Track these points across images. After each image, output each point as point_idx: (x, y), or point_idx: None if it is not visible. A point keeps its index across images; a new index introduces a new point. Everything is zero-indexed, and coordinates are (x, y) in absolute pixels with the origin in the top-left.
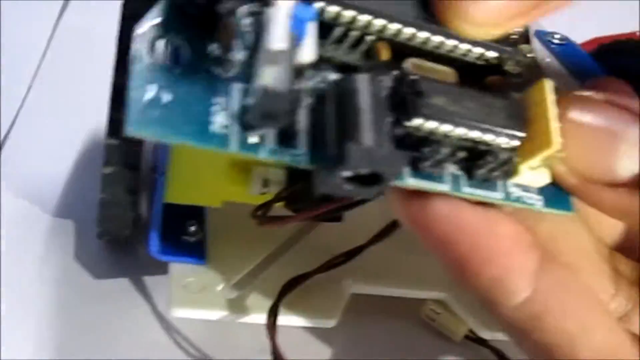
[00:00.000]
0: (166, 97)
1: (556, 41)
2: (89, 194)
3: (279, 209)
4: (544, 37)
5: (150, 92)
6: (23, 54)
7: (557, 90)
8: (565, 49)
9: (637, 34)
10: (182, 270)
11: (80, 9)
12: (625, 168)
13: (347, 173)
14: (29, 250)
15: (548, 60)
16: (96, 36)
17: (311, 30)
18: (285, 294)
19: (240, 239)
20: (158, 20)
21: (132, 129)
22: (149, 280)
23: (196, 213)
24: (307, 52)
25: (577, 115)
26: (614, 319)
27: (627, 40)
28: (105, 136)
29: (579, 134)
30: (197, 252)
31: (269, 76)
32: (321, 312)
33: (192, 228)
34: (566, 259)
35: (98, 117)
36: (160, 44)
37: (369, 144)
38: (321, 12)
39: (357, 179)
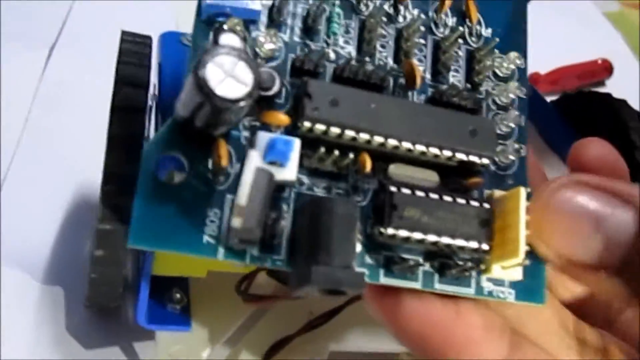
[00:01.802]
0: (165, 211)
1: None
2: (76, 260)
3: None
4: None
5: (151, 208)
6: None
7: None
8: (530, 100)
9: (599, 61)
10: (168, 338)
11: (61, 63)
12: (606, 255)
13: (314, 289)
14: (22, 319)
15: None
16: (78, 90)
17: (294, 157)
18: (270, 358)
19: (222, 300)
20: (163, 138)
21: (132, 243)
22: (138, 346)
23: (180, 280)
24: (289, 174)
25: (563, 200)
26: None
27: (590, 92)
28: (97, 220)
29: (564, 219)
30: (182, 319)
31: (237, 222)
32: None
33: (177, 295)
34: (534, 338)
35: (83, 176)
36: (164, 161)
37: (334, 264)
38: (309, 129)
39: (325, 291)
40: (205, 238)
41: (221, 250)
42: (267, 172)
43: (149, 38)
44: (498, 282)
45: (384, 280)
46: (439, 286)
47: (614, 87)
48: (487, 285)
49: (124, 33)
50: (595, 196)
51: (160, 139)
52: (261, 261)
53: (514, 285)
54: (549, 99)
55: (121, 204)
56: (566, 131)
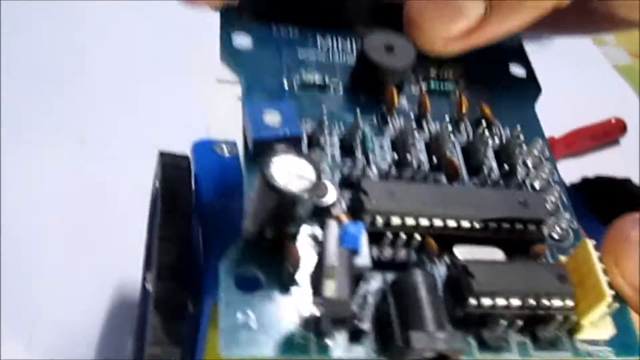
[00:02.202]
0: (251, 320)
1: None
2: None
3: None
4: None
5: (237, 318)
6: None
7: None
8: None
9: (612, 120)
10: None
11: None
12: None
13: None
14: None
15: None
16: (113, 187)
17: (364, 241)
18: None
19: None
20: (235, 256)
21: (225, 353)
22: None
23: None
24: (364, 260)
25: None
26: None
27: (610, 179)
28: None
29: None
30: None
31: (330, 289)
32: None
33: None
34: None
35: (122, 272)
36: (241, 277)
37: (430, 330)
38: (372, 223)
39: None
40: (296, 339)
41: (313, 349)
42: (346, 250)
43: (187, 159)
44: (593, 342)
45: (480, 355)
46: (535, 354)
47: (628, 145)
48: (582, 347)
49: (162, 155)
50: None
51: (234, 257)
52: (352, 352)
53: (610, 342)
54: (564, 162)
55: (171, 330)
56: (586, 216)
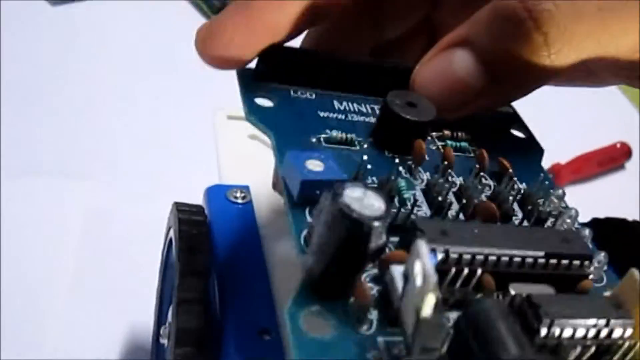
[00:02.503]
0: None
1: None
2: None
3: None
4: None
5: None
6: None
7: None
8: None
9: (617, 145)
10: None
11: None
12: None
13: None
14: None
15: None
16: (121, 221)
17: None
18: None
19: None
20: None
21: None
22: None
23: None
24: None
25: None
26: None
27: (620, 220)
28: None
29: None
30: None
31: (428, 306)
32: None
33: None
34: None
35: (134, 313)
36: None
37: (516, 353)
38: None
39: None
40: None
41: None
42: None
43: (203, 212)
44: None
45: None
46: None
47: (633, 169)
48: None
49: (177, 206)
50: None
51: (299, 303)
52: None
53: None
54: (570, 188)
55: None
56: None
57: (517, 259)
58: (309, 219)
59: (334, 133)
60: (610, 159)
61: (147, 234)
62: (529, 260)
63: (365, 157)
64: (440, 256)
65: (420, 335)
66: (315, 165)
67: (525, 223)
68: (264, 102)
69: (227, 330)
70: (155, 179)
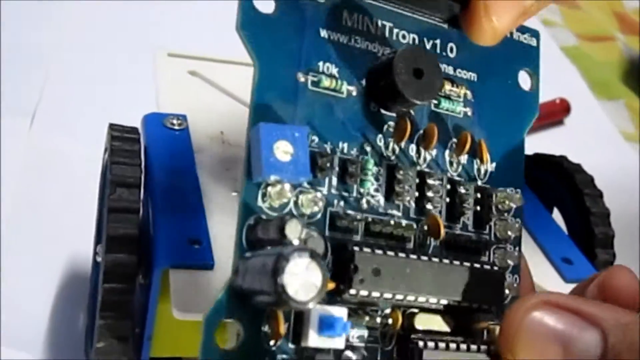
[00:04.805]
0: None
1: None
2: (72, 334)
3: None
4: None
5: None
6: None
7: None
8: None
9: (557, 101)
10: None
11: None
12: None
13: None
14: None
15: None
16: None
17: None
18: None
19: None
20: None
21: None
22: None
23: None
24: (339, 343)
25: (533, 321)
26: None
27: (547, 156)
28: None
29: (534, 339)
30: None
31: None
32: None
33: None
34: None
35: (74, 246)
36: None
37: None
38: (352, 295)
39: None
40: None
41: None
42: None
43: (136, 131)
44: None
45: None
46: None
47: (572, 125)
48: None
49: (111, 127)
50: (563, 318)
51: (219, 307)
52: None
53: None
54: None
55: (121, 302)
56: (524, 191)
57: (432, 300)
58: (260, 202)
59: (324, 78)
60: (549, 113)
61: (88, 168)
62: (443, 301)
63: (346, 113)
64: (364, 294)
65: None
66: (284, 152)
67: (469, 218)
68: (264, 4)
69: (159, 239)
70: (95, 116)
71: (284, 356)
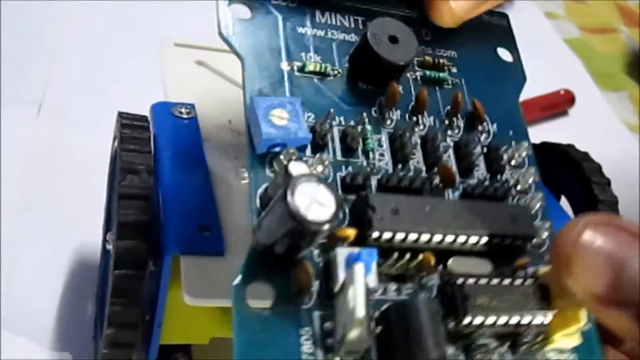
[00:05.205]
0: (262, 336)
1: None
2: (81, 322)
3: None
4: None
5: (249, 335)
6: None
7: None
8: None
9: (561, 92)
10: None
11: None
12: (626, 293)
13: None
14: None
15: None
16: (70, 148)
17: (374, 265)
18: None
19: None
20: (247, 269)
21: None
22: None
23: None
24: (372, 282)
25: (588, 239)
26: None
27: (554, 145)
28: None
29: (589, 257)
30: None
31: (355, 335)
32: None
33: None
34: None
35: (81, 236)
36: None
37: (433, 358)
38: (375, 239)
39: None
40: (304, 357)
41: None
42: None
43: (146, 119)
44: (561, 350)
45: None
46: None
47: (576, 116)
48: (552, 355)
49: (120, 115)
50: (617, 235)
51: (244, 271)
52: None
53: (575, 349)
54: None
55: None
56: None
57: (462, 239)
58: (268, 172)
59: (308, 62)
60: (553, 104)
61: (96, 157)
62: (473, 240)
63: (336, 91)
64: (386, 236)
65: (345, 345)
66: (280, 117)
67: (486, 175)
68: (241, 11)
69: (169, 226)
70: (101, 105)
71: (320, 312)
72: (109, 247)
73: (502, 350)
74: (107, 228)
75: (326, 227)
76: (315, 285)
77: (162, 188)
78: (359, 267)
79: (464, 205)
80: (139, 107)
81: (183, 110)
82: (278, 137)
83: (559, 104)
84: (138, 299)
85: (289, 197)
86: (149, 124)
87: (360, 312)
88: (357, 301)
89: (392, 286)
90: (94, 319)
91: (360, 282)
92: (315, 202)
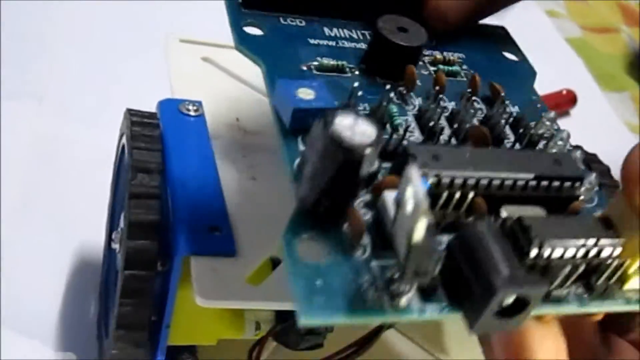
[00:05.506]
0: (324, 286)
1: None
2: (84, 321)
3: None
4: None
5: (309, 285)
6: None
7: None
8: None
9: (563, 92)
10: None
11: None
12: None
13: (496, 306)
14: None
15: None
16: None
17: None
18: None
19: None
20: (295, 226)
21: (304, 319)
22: None
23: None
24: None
25: None
26: None
27: None
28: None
29: None
30: None
31: (420, 231)
32: None
33: None
34: None
35: (84, 234)
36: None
37: (507, 273)
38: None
39: (502, 313)
40: (369, 303)
41: (389, 311)
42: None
43: (155, 116)
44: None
45: (544, 308)
46: (592, 304)
47: (578, 116)
48: (632, 295)
49: (130, 112)
50: None
51: (293, 225)
52: (426, 312)
53: None
54: None
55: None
56: None
57: (509, 182)
58: (301, 147)
59: (325, 60)
60: (555, 104)
61: (99, 154)
62: (520, 182)
63: (356, 84)
64: (431, 180)
65: (412, 259)
66: (306, 93)
67: (517, 146)
68: (253, 30)
69: (179, 227)
70: (104, 101)
71: (378, 262)
72: (115, 245)
73: (575, 290)
74: (111, 226)
75: (369, 150)
76: (367, 240)
77: (171, 188)
78: (413, 169)
79: (504, 151)
80: (141, 103)
81: (190, 107)
82: (306, 105)
83: (561, 104)
84: (148, 300)
85: (329, 126)
86: (158, 120)
87: (423, 204)
88: (418, 197)
89: (446, 238)
90: (97, 319)
91: (417, 179)
92: (355, 132)
